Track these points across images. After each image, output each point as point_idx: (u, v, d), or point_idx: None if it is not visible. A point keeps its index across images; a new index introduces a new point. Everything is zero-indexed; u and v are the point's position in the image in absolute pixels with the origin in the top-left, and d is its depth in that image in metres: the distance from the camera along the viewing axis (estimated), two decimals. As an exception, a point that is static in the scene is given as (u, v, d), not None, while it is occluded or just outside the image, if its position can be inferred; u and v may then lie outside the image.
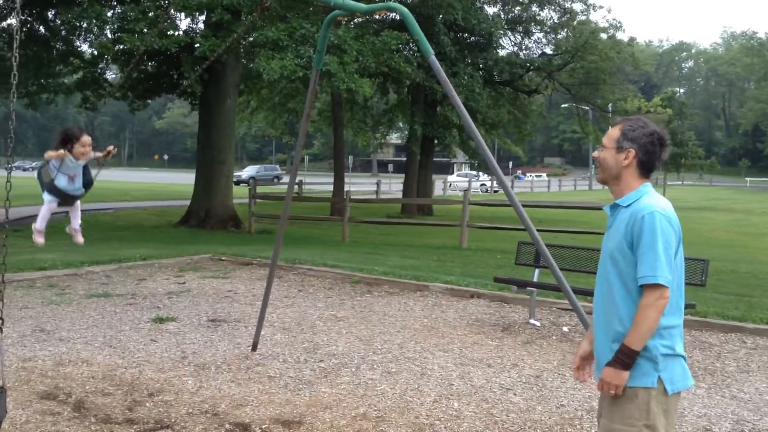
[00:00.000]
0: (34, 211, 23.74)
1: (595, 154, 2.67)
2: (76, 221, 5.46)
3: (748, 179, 72.98)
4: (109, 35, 17.82)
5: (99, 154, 5.09)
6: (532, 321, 7.31)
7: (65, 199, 5.16)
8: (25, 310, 7.26)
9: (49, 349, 5.81)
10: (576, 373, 2.82)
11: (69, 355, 5.64)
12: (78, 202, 5.32)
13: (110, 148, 5.16)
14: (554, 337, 6.74)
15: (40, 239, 5.45)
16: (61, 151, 4.81)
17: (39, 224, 5.33)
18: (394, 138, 43.05)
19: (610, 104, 30.15)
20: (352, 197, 17.04)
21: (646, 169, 2.57)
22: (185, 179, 35.62)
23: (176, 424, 4.26)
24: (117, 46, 16.78)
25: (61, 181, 5.01)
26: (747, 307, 7.79)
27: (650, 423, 2.39)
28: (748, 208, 34.06)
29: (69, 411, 4.41)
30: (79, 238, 5.60)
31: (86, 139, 4.87)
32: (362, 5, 4.88)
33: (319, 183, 39.83)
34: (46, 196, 5.10)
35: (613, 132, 2.61)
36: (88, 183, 5.19)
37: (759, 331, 6.93)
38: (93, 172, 5.26)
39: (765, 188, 64.36)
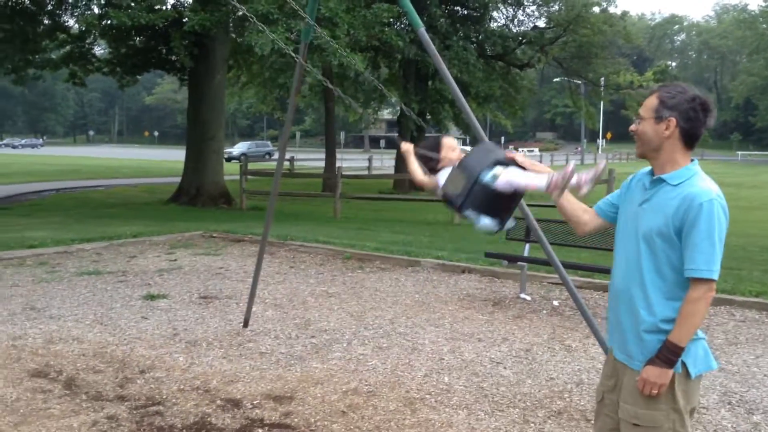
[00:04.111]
0: (23, 189, 23.65)
1: (633, 127, 2.44)
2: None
3: (739, 153, 73.17)
4: (96, 10, 17.57)
5: None
6: (522, 295, 7.34)
7: None
8: (15, 288, 7.23)
9: (40, 327, 5.80)
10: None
11: (60, 333, 5.63)
12: None
13: None
14: (544, 311, 6.77)
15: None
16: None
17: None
18: (386, 113, 42.85)
19: (602, 78, 30.02)
20: (343, 173, 16.99)
21: (690, 139, 2.36)
22: (176, 156, 35.42)
23: (167, 400, 4.27)
24: (104, 21, 16.54)
25: None
26: (736, 280, 7.84)
27: (676, 407, 2.35)
28: (738, 181, 34.17)
29: (60, 388, 4.41)
30: None
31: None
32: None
33: (310, 159, 39.67)
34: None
35: (650, 101, 2.39)
36: None
37: (748, 303, 6.98)
38: None
39: (756, 162, 64.61)
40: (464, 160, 2.86)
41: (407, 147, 3.09)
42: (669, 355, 2.31)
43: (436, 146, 2.99)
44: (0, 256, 8.76)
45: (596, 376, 4.76)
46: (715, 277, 2.27)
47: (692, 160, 2.40)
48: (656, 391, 2.33)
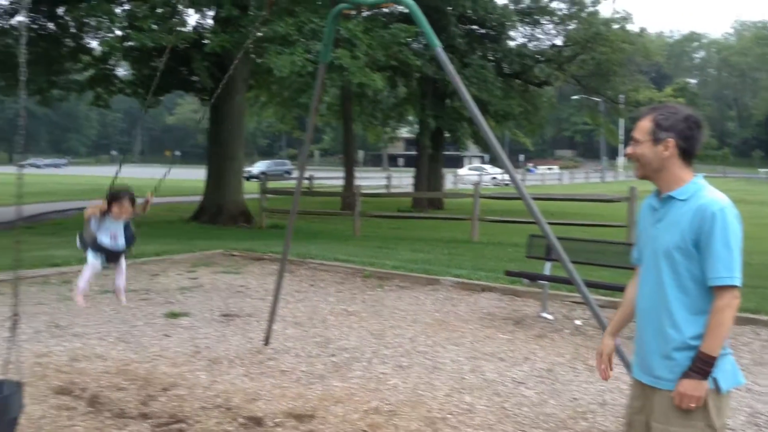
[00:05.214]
0: (46, 209, 23.78)
1: (629, 150, 2.51)
2: (121, 279, 5.49)
3: (761, 170, 72.32)
4: (119, 33, 17.87)
5: (137, 211, 5.29)
6: (544, 314, 7.29)
7: (110, 256, 5.22)
8: (40, 306, 7.32)
9: (64, 344, 5.86)
10: (604, 373, 2.73)
11: (83, 351, 5.69)
12: (123, 260, 5.39)
13: (148, 196, 5.32)
14: (567, 331, 6.72)
15: (81, 301, 5.39)
16: (101, 205, 5.01)
17: (82, 284, 5.29)
18: (405, 132, 42.99)
19: (621, 95, 29.90)
20: (362, 191, 17.04)
21: (688, 156, 2.44)
22: (197, 175, 35.70)
23: (190, 418, 4.29)
24: (125, 43, 16.81)
25: (105, 239, 5.13)
26: (760, 299, 7.73)
27: (711, 423, 2.34)
28: (761, 199, 33.79)
29: (84, 406, 4.45)
30: (122, 297, 5.59)
31: (127, 203, 5.09)
32: (368, -2, 4.87)
33: (329, 177, 39.83)
34: (90, 256, 5.16)
35: (644, 124, 2.46)
36: (130, 238, 5.28)
37: (773, 322, 6.88)
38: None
39: (779, 179, 63.75)
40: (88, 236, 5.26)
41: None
42: (703, 366, 2.31)
43: (115, 198, 5.05)
44: (24, 275, 8.85)
45: (620, 397, 4.71)
46: (738, 283, 2.30)
47: (696, 175, 2.46)
48: (693, 404, 2.32)
